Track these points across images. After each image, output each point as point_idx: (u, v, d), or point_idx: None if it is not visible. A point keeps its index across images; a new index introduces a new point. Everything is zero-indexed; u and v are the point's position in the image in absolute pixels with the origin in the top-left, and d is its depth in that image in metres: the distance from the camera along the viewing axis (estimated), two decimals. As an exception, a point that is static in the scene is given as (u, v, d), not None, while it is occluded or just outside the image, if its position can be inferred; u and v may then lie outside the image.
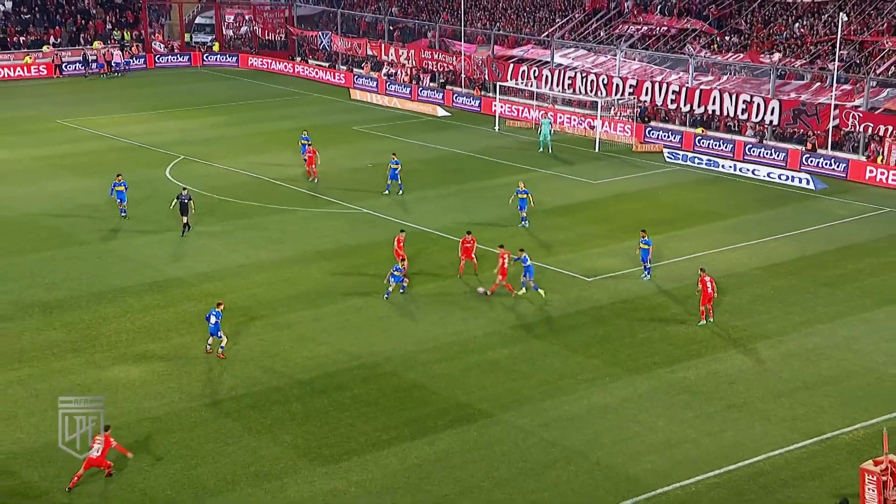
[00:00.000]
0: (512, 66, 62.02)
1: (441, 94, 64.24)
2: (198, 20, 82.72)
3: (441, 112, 61.66)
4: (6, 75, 70.87)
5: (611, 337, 29.19)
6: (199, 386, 25.86)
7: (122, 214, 38.70)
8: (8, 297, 31.45)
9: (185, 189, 37.82)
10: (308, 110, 62.67)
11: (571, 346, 28.49)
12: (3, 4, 77.66)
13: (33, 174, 46.11)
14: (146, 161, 47.90)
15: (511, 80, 60.79)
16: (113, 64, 73.57)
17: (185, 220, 36.91)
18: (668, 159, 50.38)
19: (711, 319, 29.94)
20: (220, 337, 27.36)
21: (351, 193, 42.97)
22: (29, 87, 68.64)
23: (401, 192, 42.62)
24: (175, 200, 37.37)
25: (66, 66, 72.96)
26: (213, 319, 27.33)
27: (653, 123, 55.00)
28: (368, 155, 50.41)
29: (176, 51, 78.58)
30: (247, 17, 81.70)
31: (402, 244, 33.23)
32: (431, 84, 66.92)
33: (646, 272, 33.38)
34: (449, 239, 36.85)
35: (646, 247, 33.09)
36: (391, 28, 74.25)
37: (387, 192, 42.59)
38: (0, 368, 26.49)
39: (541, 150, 51.11)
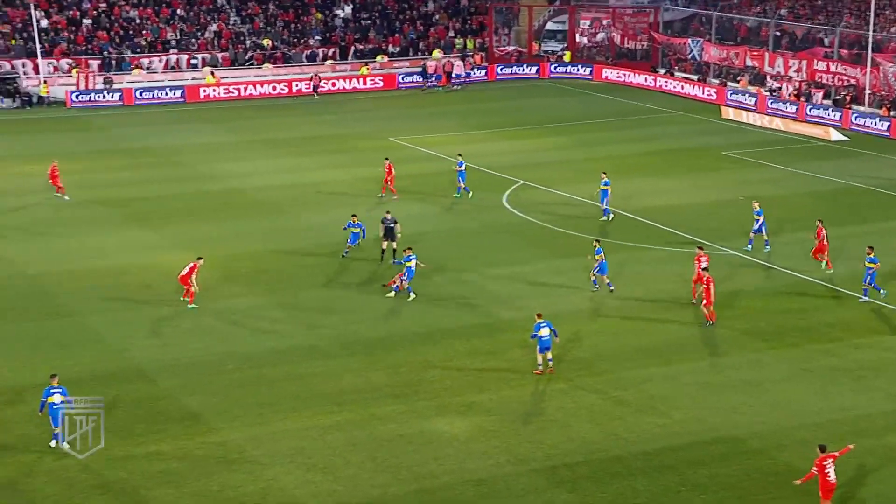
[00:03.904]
0: (933, 79, 58.75)
1: (838, 114, 61.97)
2: (548, 26, 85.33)
3: (836, 136, 59.71)
4: (342, 87, 76.80)
5: None
6: (530, 447, 26.42)
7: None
8: (331, 332, 33.75)
9: (388, 213, 39.84)
10: (669, 131, 62.65)
11: None
12: (343, 9, 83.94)
13: (358, 198, 49.25)
14: (481, 186, 49.83)
15: (931, 96, 57.63)
16: (452, 76, 77.64)
17: (384, 246, 39.22)
18: None
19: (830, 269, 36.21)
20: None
21: (717, 231, 42.35)
22: (363, 101, 73.91)
23: (607, 217, 44.22)
24: (382, 225, 39.36)
25: (402, 78, 77.94)
26: (545, 331, 29.50)
27: None
28: (740, 186, 49.43)
29: (522, 58, 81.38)
30: (604, 23, 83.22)
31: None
32: (825, 101, 64.70)
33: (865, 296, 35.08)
34: (842, 294, 35.37)
35: (872, 265, 34.59)
36: (777, 34, 72.63)
37: (607, 216, 44.19)
38: (319, 411, 28.36)
39: None
